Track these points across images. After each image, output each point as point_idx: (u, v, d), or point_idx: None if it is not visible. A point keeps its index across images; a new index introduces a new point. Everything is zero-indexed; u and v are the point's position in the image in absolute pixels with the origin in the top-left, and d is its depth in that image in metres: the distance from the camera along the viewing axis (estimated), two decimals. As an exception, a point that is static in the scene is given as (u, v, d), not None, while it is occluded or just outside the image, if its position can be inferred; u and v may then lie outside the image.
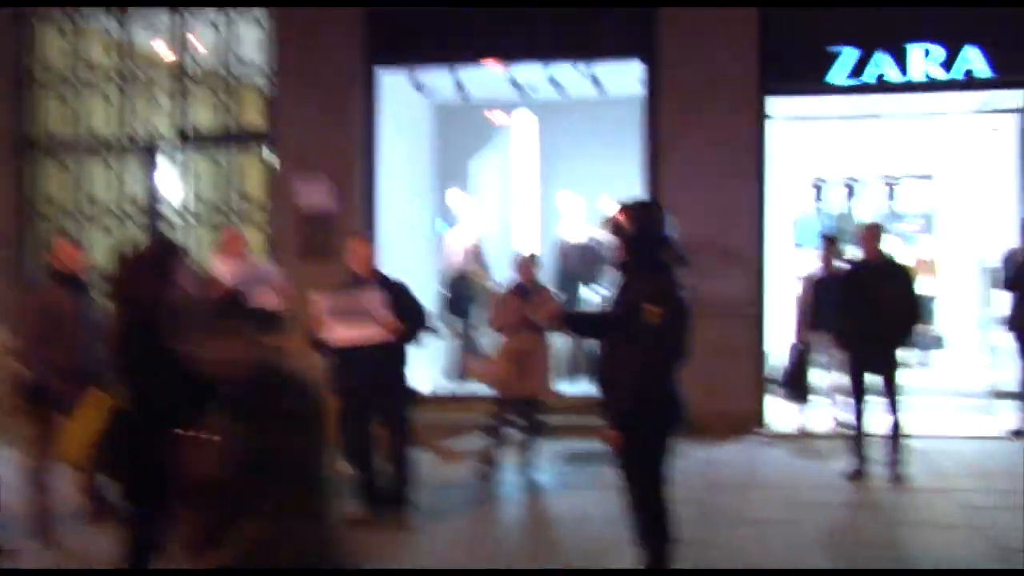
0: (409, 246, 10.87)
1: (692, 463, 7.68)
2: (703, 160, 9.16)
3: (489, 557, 5.88)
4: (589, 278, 11.00)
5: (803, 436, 9.11)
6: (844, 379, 8.72)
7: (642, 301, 4.53)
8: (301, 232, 9.73)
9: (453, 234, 11.27)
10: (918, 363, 12.87)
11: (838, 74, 9.18)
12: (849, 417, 7.70)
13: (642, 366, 4.53)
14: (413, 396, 6.82)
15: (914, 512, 6.71)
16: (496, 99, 11.32)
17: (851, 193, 14.65)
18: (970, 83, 9.13)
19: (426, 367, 9.90)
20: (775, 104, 9.49)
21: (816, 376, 9.45)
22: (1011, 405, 9.52)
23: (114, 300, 4.70)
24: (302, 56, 9.82)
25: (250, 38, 10.13)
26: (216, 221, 10.03)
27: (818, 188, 14.46)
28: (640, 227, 4.67)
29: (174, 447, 2.76)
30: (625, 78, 9.94)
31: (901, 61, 9.12)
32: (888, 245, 7.69)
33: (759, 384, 9.32)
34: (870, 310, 7.24)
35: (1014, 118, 10.63)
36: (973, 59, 9.02)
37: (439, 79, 10.69)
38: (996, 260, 10.74)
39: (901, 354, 7.48)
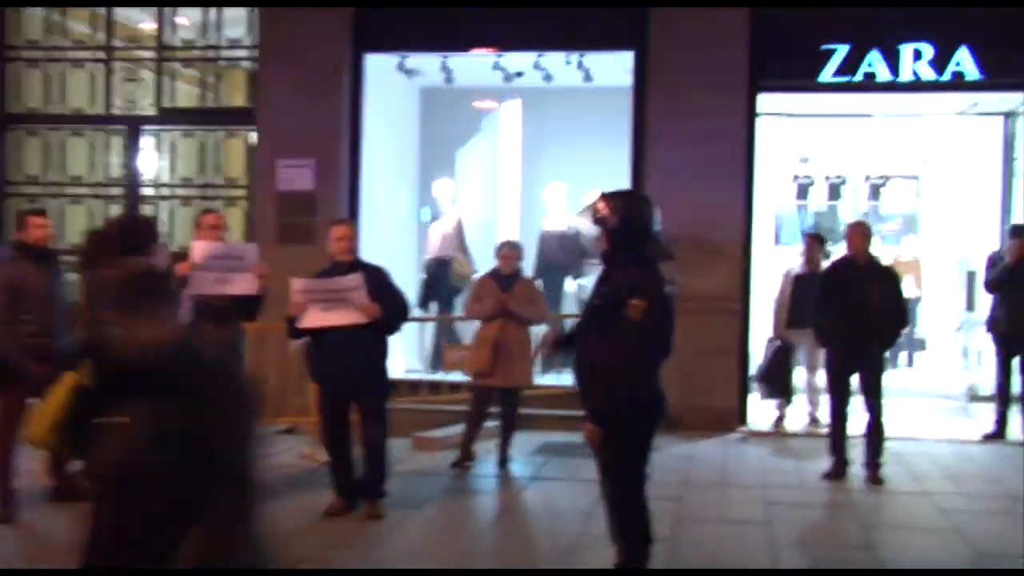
0: (391, 231, 10.78)
1: (670, 459, 7.68)
2: (691, 153, 9.10)
3: (463, 550, 5.81)
4: (571, 268, 10.93)
5: (783, 435, 9.09)
6: (822, 377, 8.74)
7: (624, 294, 4.45)
8: (281, 215, 9.61)
9: (436, 221, 11.16)
10: (902, 364, 12.96)
11: (829, 72, 9.13)
12: (824, 415, 7.66)
13: (623, 361, 4.44)
14: (391, 385, 6.72)
15: (890, 514, 6.68)
16: (483, 86, 11.22)
17: (833, 192, 14.70)
18: (960, 84, 9.09)
19: (403, 354, 9.83)
20: (764, 100, 9.44)
21: (795, 374, 9.44)
22: (987, 408, 9.54)
23: (81, 276, 4.59)
24: (288, 36, 9.69)
25: (236, 16, 10.00)
26: (196, 200, 9.91)
27: (801, 186, 14.50)
28: (622, 218, 4.58)
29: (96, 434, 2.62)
30: (614, 68, 9.87)
31: (892, 60, 9.08)
32: (874, 244, 7.63)
33: (741, 381, 9.29)
34: (856, 310, 7.19)
35: (1001, 121, 10.64)
36: (963, 60, 8.99)
37: (426, 64, 10.60)
38: (978, 262, 10.76)
39: (885, 355, 7.46)
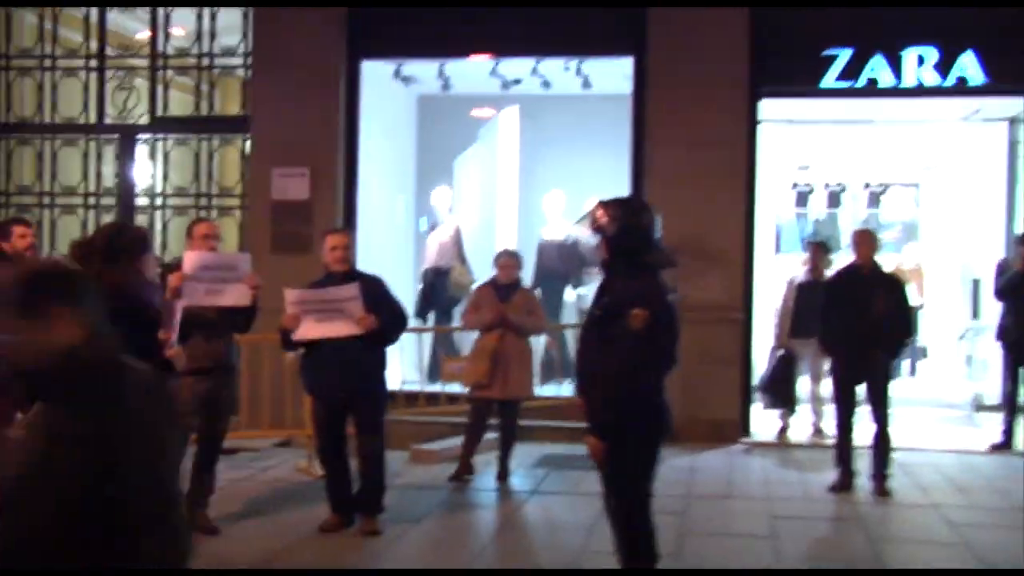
0: (388, 241, 10.66)
1: (672, 471, 7.52)
2: (691, 160, 8.97)
3: (462, 566, 5.67)
4: (570, 277, 10.81)
5: (786, 446, 8.96)
6: (826, 387, 8.61)
7: (625, 304, 4.31)
8: (276, 224, 9.49)
9: (434, 230, 11.05)
10: (905, 373, 12.83)
11: (831, 77, 9.02)
12: (829, 426, 7.51)
13: (626, 373, 4.30)
14: (388, 397, 6.58)
15: (898, 527, 6.55)
16: (481, 93, 11.12)
17: (833, 200, 14.59)
18: (963, 89, 8.99)
19: (401, 366, 9.69)
20: (764, 106, 9.32)
21: (798, 384, 9.31)
22: (993, 417, 9.41)
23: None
24: (282, 43, 9.57)
25: (230, 23, 9.88)
26: (190, 210, 9.78)
27: (800, 194, 14.39)
28: (622, 226, 4.44)
29: None
30: (613, 74, 9.78)
31: (895, 65, 8.97)
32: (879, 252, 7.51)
33: (744, 391, 9.15)
34: (861, 318, 7.06)
35: (1005, 126, 10.53)
36: (967, 65, 8.88)
37: (423, 71, 10.49)
38: (982, 270, 10.65)
39: (891, 364, 7.33)
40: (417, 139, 11.78)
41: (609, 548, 4.69)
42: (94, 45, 10.14)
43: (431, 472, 7.85)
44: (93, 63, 10.14)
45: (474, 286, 9.33)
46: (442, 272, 10.71)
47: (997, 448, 8.65)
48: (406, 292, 9.86)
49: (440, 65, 10.20)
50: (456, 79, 10.51)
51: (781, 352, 9.07)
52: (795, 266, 10.73)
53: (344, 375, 6.11)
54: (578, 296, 10.69)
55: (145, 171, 10.24)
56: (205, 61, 9.98)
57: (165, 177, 10.09)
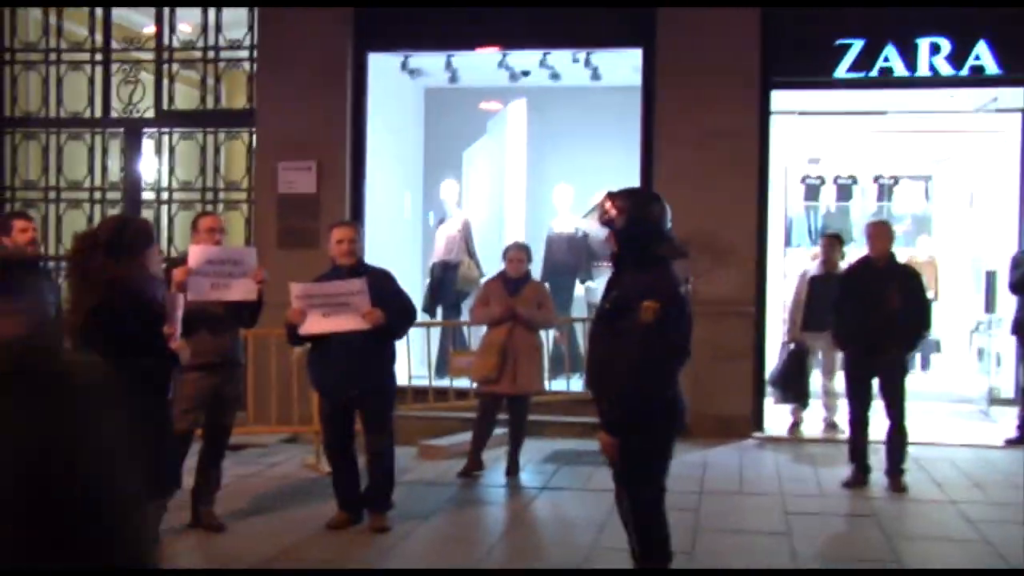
0: (395, 235, 10.57)
1: (684, 467, 7.39)
2: (702, 152, 8.86)
3: (471, 563, 5.58)
4: (579, 271, 10.71)
5: (799, 440, 8.85)
6: (839, 381, 8.51)
7: (635, 296, 4.21)
8: (282, 218, 9.41)
9: (442, 224, 10.96)
10: (917, 367, 12.71)
11: (844, 67, 8.90)
12: (842, 421, 7.40)
13: (637, 368, 4.19)
14: (396, 392, 6.49)
15: (915, 524, 6.44)
16: (489, 86, 11.02)
17: (843, 193, 14.46)
18: (978, 79, 8.85)
19: (409, 361, 9.60)
20: (776, 98, 9.20)
21: (811, 378, 9.21)
22: (1008, 412, 9.30)
23: (69, 283, 4.37)
24: (288, 36, 9.49)
25: (236, 17, 9.80)
26: (197, 204, 9.71)
27: (810, 187, 14.26)
28: (631, 217, 4.34)
29: None
30: (622, 66, 9.67)
31: (908, 55, 8.84)
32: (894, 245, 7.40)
33: (756, 386, 9.04)
34: (876, 311, 6.95)
35: (1019, 117, 10.38)
36: (982, 54, 8.75)
37: (431, 63, 10.40)
38: (996, 262, 10.52)
39: (906, 359, 7.23)
40: (425, 132, 11.68)
41: (621, 545, 4.61)
42: (99, 39, 10.07)
43: (440, 468, 7.77)
44: (98, 57, 10.06)
45: (483, 280, 9.24)
46: (450, 266, 10.62)
47: (1013, 443, 8.53)
48: (414, 286, 9.77)
49: (447, 57, 10.10)
50: (464, 71, 10.40)
51: (793, 346, 8.97)
52: (806, 260, 10.64)
53: (351, 371, 6.03)
54: (587, 290, 10.60)
55: (151, 165, 10.17)
56: (211, 54, 9.90)
57: (171, 171, 10.01)
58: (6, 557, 2.07)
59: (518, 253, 7.70)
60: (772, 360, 9.33)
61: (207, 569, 5.51)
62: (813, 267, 9.23)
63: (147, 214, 9.77)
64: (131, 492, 2.36)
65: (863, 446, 7.24)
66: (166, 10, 9.91)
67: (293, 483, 7.33)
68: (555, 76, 10.20)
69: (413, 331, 7.21)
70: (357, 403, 6.15)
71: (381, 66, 9.92)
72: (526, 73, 10.25)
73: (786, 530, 6.14)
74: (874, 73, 8.90)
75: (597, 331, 4.56)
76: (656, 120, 9.11)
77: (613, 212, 4.39)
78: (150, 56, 10.04)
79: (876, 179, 14.57)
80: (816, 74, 9.03)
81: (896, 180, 14.61)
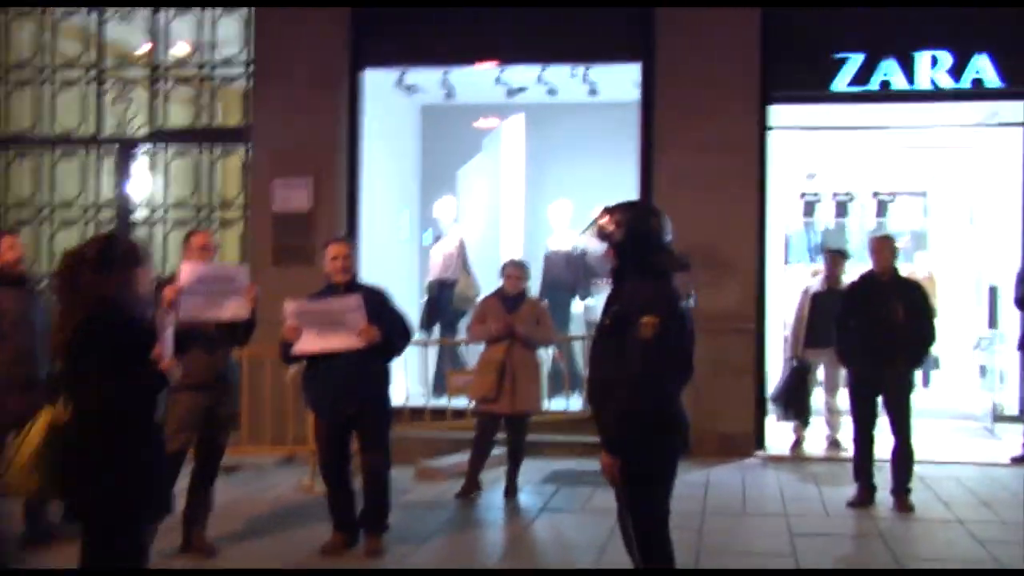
0: (392, 252, 10.47)
1: (686, 486, 7.26)
2: (700, 167, 8.78)
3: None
4: (578, 288, 10.61)
5: (802, 459, 8.72)
6: (842, 398, 8.39)
7: (634, 311, 4.08)
8: (277, 236, 9.30)
9: (438, 242, 10.86)
10: (918, 384, 12.58)
11: (843, 81, 8.83)
12: (845, 438, 7.28)
13: (638, 384, 4.06)
14: (392, 412, 6.35)
15: (925, 545, 6.31)
16: (486, 102, 10.93)
17: (841, 209, 14.38)
18: (979, 92, 8.77)
19: (406, 380, 9.49)
20: (774, 113, 9.12)
21: (813, 395, 9.10)
22: (1012, 429, 9.18)
23: (55, 300, 4.24)
24: (283, 52, 9.41)
25: (230, 33, 9.72)
26: (190, 222, 9.59)
27: (808, 203, 14.18)
28: (629, 231, 4.22)
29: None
30: (619, 81, 9.60)
31: (908, 68, 8.77)
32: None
33: (758, 403, 8.92)
34: (880, 327, 6.85)
35: (1020, 131, 10.30)
36: (983, 68, 8.68)
37: (427, 80, 10.31)
38: (998, 278, 10.43)
39: (911, 375, 7.11)
40: (421, 149, 11.60)
41: (623, 568, 4.46)
42: (92, 56, 9.98)
43: (437, 489, 7.64)
44: (91, 74, 9.97)
45: (480, 298, 9.13)
46: (447, 284, 10.51)
47: (1018, 460, 8.41)
48: (410, 305, 9.67)
49: (443, 74, 10.02)
50: (460, 88, 10.33)
51: (795, 363, 8.85)
52: (806, 276, 10.54)
53: (347, 391, 5.92)
54: (586, 307, 10.49)
55: (145, 183, 10.06)
56: (205, 71, 9.81)
57: (165, 189, 9.91)
58: None
59: (515, 270, 7.59)
60: (773, 377, 9.21)
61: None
62: (815, 283, 9.13)
63: (141, 233, 9.67)
64: None
65: (868, 465, 7.12)
66: (160, 27, 9.83)
67: (288, 505, 7.19)
68: (552, 92, 10.12)
69: (410, 350, 7.09)
70: (353, 423, 6.03)
71: (377, 83, 9.84)
72: (523, 89, 10.17)
73: (792, 551, 6.00)
74: (873, 87, 8.83)
75: (597, 347, 4.43)
76: (655, 134, 9.03)
77: (611, 226, 4.27)
78: (144, 73, 9.95)
79: (874, 195, 14.51)
80: (815, 88, 8.96)
81: (893, 196, 14.54)
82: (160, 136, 9.86)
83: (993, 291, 10.32)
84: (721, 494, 7.48)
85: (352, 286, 6.05)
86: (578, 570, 5.49)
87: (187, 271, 5.66)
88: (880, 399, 7.07)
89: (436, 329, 10.60)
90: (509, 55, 9.41)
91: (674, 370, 4.22)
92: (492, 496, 7.43)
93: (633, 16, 9.04)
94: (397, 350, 6.21)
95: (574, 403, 9.24)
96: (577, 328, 10.38)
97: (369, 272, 7.84)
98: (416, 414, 8.85)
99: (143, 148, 9.93)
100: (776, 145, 9.48)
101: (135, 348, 4.27)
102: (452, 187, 11.38)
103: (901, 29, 8.73)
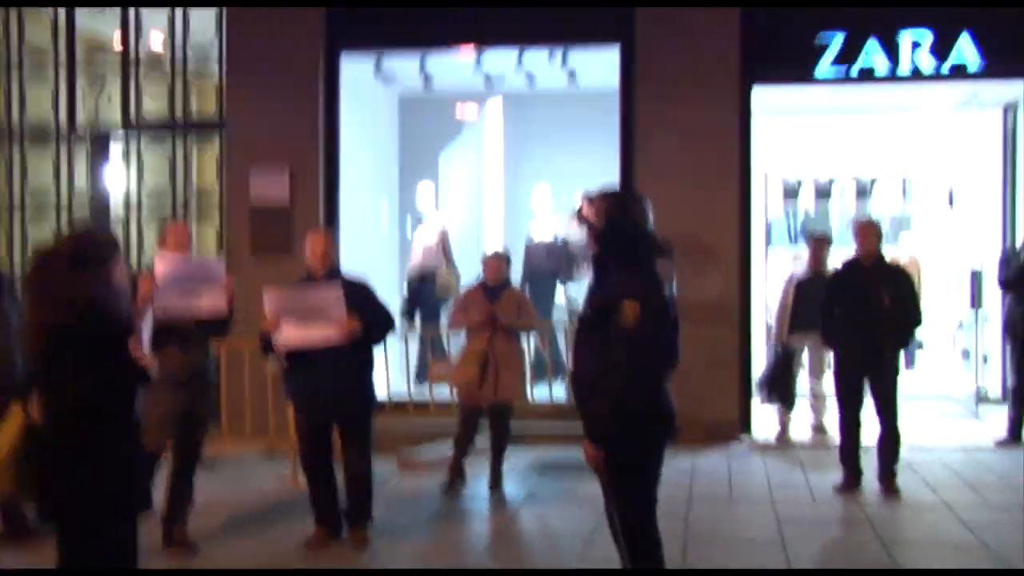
0: (372, 242, 10.36)
1: (672, 473, 7.09)
2: (682, 153, 8.71)
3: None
4: (559, 276, 10.53)
5: (787, 444, 8.69)
6: (827, 383, 8.36)
7: (617, 299, 4.00)
8: (255, 227, 9.17)
9: (420, 231, 10.76)
10: (901, 366, 12.58)
11: (824, 64, 8.76)
12: (828, 424, 7.24)
13: (620, 374, 3.97)
14: (375, 404, 6.27)
15: (912, 529, 6.28)
16: (464, 89, 10.83)
17: (822, 193, 14.35)
18: (961, 74, 8.73)
19: (387, 371, 9.40)
20: (756, 97, 9.04)
21: (799, 380, 9.06)
22: (995, 411, 9.18)
23: (28, 299, 4.12)
24: (258, 40, 9.26)
25: (204, 21, 9.56)
26: (166, 214, 9.46)
27: (789, 188, 14.14)
28: (610, 218, 4.13)
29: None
30: (599, 67, 9.50)
31: (890, 50, 8.71)
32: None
33: (742, 390, 8.87)
34: (866, 311, 6.80)
35: (999, 114, 10.31)
36: (964, 49, 8.63)
37: (405, 67, 10.20)
38: (980, 261, 10.42)
39: (898, 359, 7.07)
40: (400, 138, 11.49)
41: (610, 557, 4.40)
42: (63, 46, 9.80)
43: (420, 481, 7.56)
44: (63, 64, 9.80)
45: (461, 288, 9.04)
46: (428, 274, 10.42)
47: (1003, 443, 8.40)
48: (391, 295, 9.57)
49: (421, 60, 9.90)
50: (438, 76, 10.22)
51: (780, 349, 8.81)
52: (787, 261, 10.50)
53: (328, 384, 5.83)
54: (568, 295, 10.41)
55: (119, 175, 9.91)
56: (179, 61, 9.66)
57: (140, 181, 9.76)
58: None
59: (496, 260, 7.51)
60: (758, 363, 9.17)
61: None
62: (799, 269, 9.08)
63: (115, 225, 9.52)
64: None
65: (854, 449, 7.08)
66: (132, 17, 9.66)
67: (269, 499, 7.09)
68: (531, 79, 10.02)
69: (391, 340, 7.00)
70: (334, 417, 5.94)
71: (354, 72, 9.71)
72: (501, 77, 10.06)
73: (780, 538, 5.96)
74: (855, 70, 8.77)
75: (580, 338, 4.34)
76: (635, 119, 8.94)
77: (591, 213, 4.19)
78: (116, 63, 9.79)
79: (855, 180, 14.49)
80: (796, 71, 8.89)
81: (874, 181, 14.53)
82: (134, 127, 9.71)
83: (976, 274, 10.30)
84: (707, 481, 7.43)
85: (333, 277, 5.95)
86: (563, 570, 5.42)
87: (162, 264, 5.55)
88: (866, 384, 7.03)
89: (418, 319, 10.51)
90: (486, 38, 9.28)
91: (658, 358, 4.13)
92: (476, 486, 7.36)
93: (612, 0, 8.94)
94: (380, 337, 6.12)
95: (557, 391, 9.18)
96: (559, 316, 10.31)
97: (349, 262, 7.74)
98: (398, 405, 8.77)
99: (117, 139, 9.77)
100: (757, 130, 9.42)
101: (112, 344, 4.17)
102: (432, 176, 11.28)
103: (882, 10, 8.66)
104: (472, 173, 11.04)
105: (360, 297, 5.92)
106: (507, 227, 10.87)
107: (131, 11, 9.66)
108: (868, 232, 7.05)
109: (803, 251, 9.51)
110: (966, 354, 11.32)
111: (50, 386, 3.93)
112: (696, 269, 8.45)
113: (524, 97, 10.64)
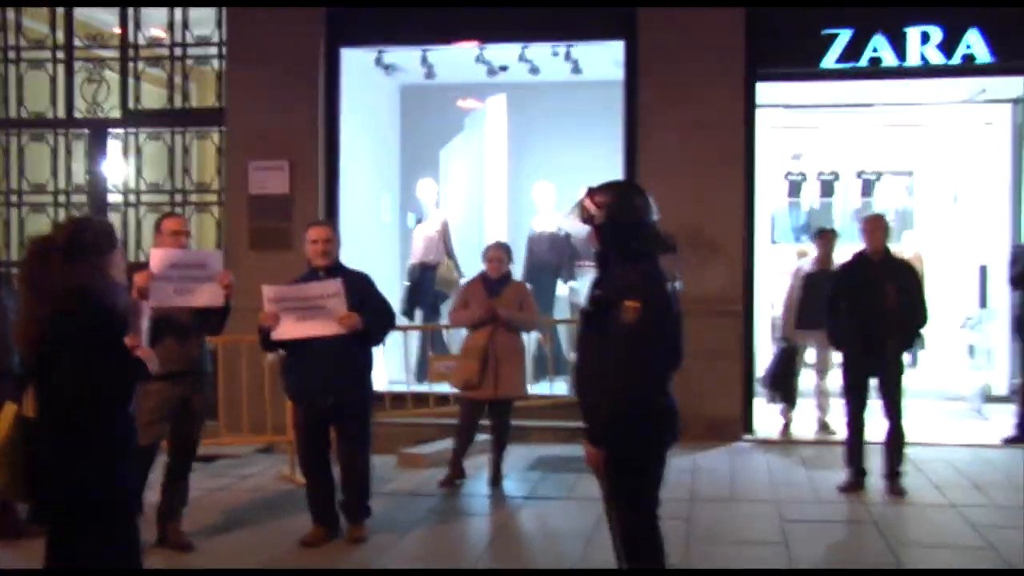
0: (372, 235, 10.27)
1: (674, 472, 7.02)
2: (686, 147, 8.60)
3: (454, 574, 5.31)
4: (562, 270, 10.43)
5: (790, 442, 8.59)
6: (832, 381, 8.27)
7: (619, 295, 3.90)
8: (254, 219, 9.08)
9: (420, 224, 10.66)
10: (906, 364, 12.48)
11: (831, 58, 8.65)
12: (834, 422, 7.14)
13: (622, 372, 3.86)
14: (372, 399, 6.19)
15: (918, 530, 6.18)
16: (467, 82, 10.72)
17: (826, 188, 14.25)
18: (969, 68, 8.61)
19: (387, 366, 9.32)
20: (761, 91, 8.94)
21: (802, 377, 8.97)
22: (1001, 409, 9.08)
23: (23, 290, 4.03)
24: (258, 31, 9.17)
25: (203, 11, 9.46)
26: (165, 206, 9.36)
27: (793, 183, 14.04)
28: (612, 212, 4.04)
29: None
30: (603, 59, 9.39)
31: (898, 44, 8.59)
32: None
33: (745, 387, 8.77)
34: (872, 308, 6.71)
35: (1008, 108, 10.20)
36: (974, 43, 8.51)
37: (406, 59, 10.09)
38: (987, 257, 10.33)
39: (903, 356, 6.98)
40: (401, 130, 11.38)
41: (611, 557, 4.30)
42: (60, 36, 9.71)
43: (420, 477, 7.48)
44: (60, 55, 9.71)
45: (462, 281, 8.95)
46: (429, 267, 10.33)
47: (1010, 441, 8.31)
48: (392, 289, 9.48)
49: (423, 53, 9.79)
50: (440, 67, 10.11)
51: (784, 344, 8.72)
52: (792, 257, 10.39)
53: (327, 379, 5.75)
54: (571, 290, 10.32)
55: (118, 167, 9.81)
56: (178, 51, 9.56)
57: (138, 172, 9.67)
58: None
59: (498, 253, 7.41)
60: (762, 360, 9.07)
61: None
62: (806, 263, 8.99)
63: (114, 217, 9.43)
64: None
65: (860, 448, 6.99)
66: (131, 9, 9.56)
67: (267, 495, 7.02)
68: (534, 70, 9.91)
69: (391, 335, 6.91)
70: (333, 412, 5.86)
71: (355, 62, 9.61)
72: (504, 68, 9.96)
73: (783, 539, 5.87)
74: (863, 63, 8.65)
75: (582, 335, 4.25)
76: (639, 114, 8.84)
77: (594, 207, 4.09)
78: (115, 54, 9.70)
79: (859, 174, 14.38)
80: (803, 65, 8.78)
81: (879, 175, 14.42)
82: (132, 118, 9.61)
83: (983, 270, 10.20)
84: (710, 480, 7.35)
85: (334, 270, 5.88)
86: (564, 570, 5.34)
87: (158, 257, 5.47)
88: (872, 382, 6.94)
89: (418, 313, 10.42)
90: (489, 33, 9.19)
91: (661, 356, 4.03)
92: (476, 483, 7.29)
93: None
94: (379, 337, 6.06)
95: (559, 388, 9.09)
96: (562, 311, 10.22)
97: (349, 255, 7.64)
98: (398, 400, 8.68)
99: (115, 131, 9.67)
100: (761, 124, 9.32)
101: (109, 338, 4.08)
102: (433, 168, 11.18)
103: (891, 4, 8.54)
104: (474, 164, 10.93)
105: (362, 292, 5.86)
106: (510, 219, 10.76)
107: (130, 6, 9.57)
108: (876, 227, 6.96)
109: (808, 246, 9.41)
110: (972, 351, 11.24)
111: (45, 380, 3.85)
112: (700, 264, 8.35)
113: (527, 88, 10.52)
